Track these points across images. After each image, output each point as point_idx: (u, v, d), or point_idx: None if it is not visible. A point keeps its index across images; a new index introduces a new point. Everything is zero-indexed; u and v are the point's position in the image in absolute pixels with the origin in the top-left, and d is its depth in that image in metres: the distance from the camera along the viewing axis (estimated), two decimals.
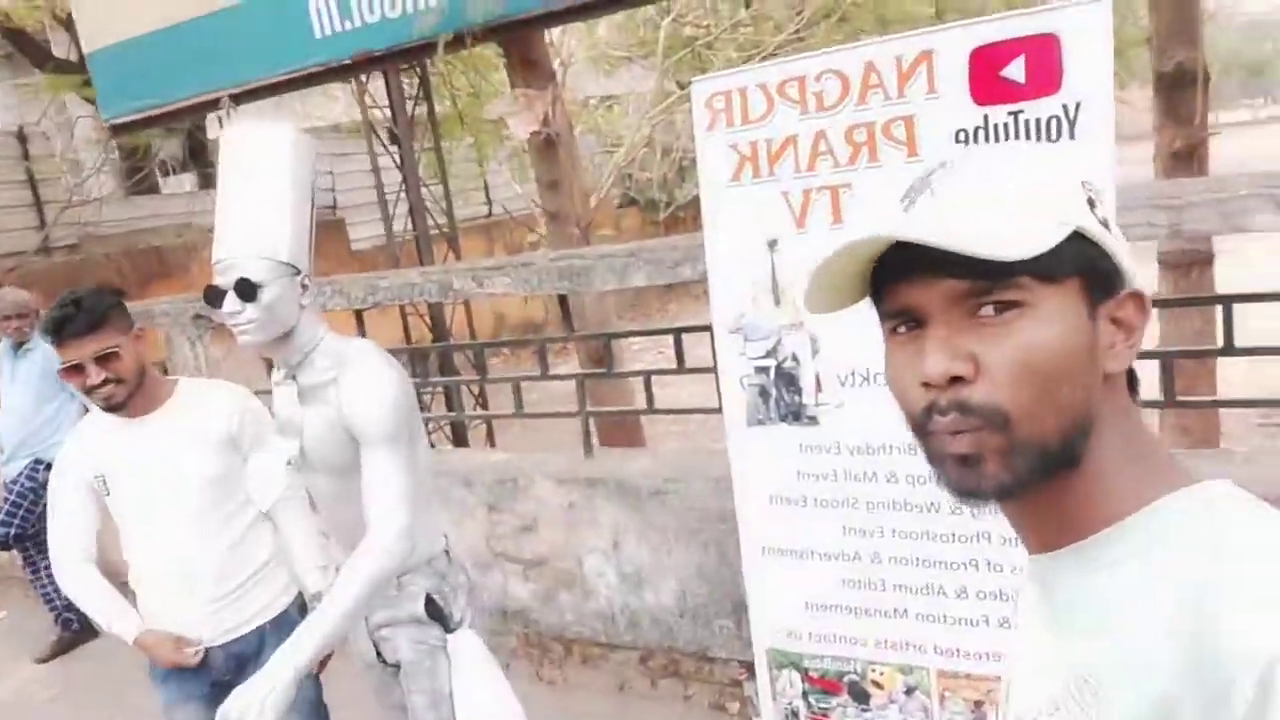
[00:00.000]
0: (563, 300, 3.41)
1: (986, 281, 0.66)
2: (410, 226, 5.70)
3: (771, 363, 2.48)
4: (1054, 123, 2.01)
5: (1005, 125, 2.07)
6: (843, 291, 0.74)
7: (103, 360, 2.07)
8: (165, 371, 4.25)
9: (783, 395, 2.49)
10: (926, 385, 0.68)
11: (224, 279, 1.79)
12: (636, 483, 3.17)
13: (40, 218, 9.73)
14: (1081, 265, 0.67)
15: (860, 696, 2.54)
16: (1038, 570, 0.73)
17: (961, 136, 2.12)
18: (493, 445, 5.83)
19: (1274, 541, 0.61)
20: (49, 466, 4.38)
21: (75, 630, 4.45)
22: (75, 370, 2.08)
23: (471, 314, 6.27)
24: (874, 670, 2.51)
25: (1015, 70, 2.03)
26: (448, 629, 2.05)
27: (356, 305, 3.73)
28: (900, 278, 0.69)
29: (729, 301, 2.49)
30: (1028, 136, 2.05)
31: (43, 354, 4.17)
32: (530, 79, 4.20)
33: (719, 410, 3.18)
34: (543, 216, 4.81)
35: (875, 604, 2.46)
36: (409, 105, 5.80)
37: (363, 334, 3.71)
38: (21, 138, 9.76)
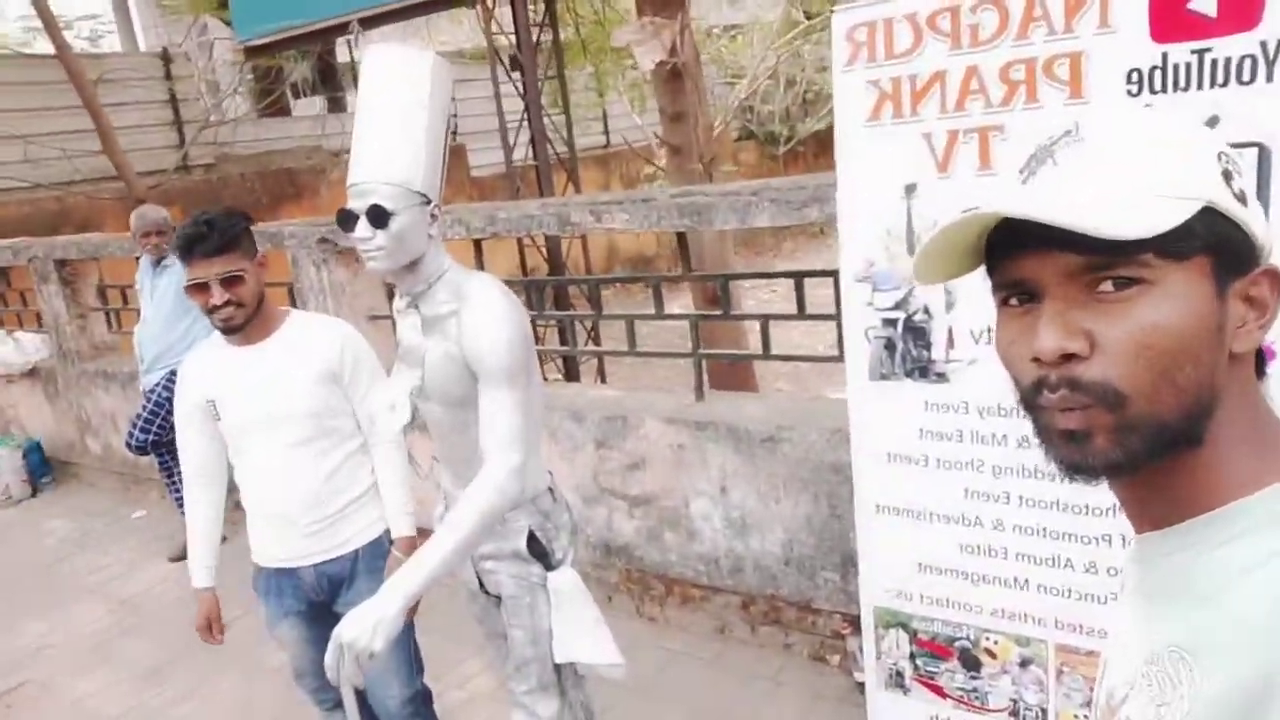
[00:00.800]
0: (681, 238, 3.32)
1: (1106, 257, 0.62)
2: (530, 155, 5.67)
3: (900, 315, 2.35)
4: (1247, 63, 1.80)
5: (1187, 66, 1.86)
6: (954, 261, 0.72)
7: (227, 282, 2.12)
8: (291, 293, 4.38)
9: (910, 349, 2.37)
10: (1037, 360, 0.66)
11: (357, 204, 1.79)
12: (748, 428, 3.11)
13: (180, 136, 10.13)
14: (1212, 242, 0.63)
15: (971, 664, 2.45)
16: (1144, 549, 0.72)
17: (1135, 77, 1.93)
18: (603, 381, 5.85)
19: None
20: None
21: None
22: (200, 288, 2.14)
23: (587, 247, 6.24)
24: (988, 638, 2.41)
25: (1206, 2, 1.82)
26: (549, 566, 2.05)
27: (475, 235, 3.74)
28: (1015, 249, 0.67)
29: (858, 248, 2.37)
30: (1213, 79, 1.85)
31: (179, 271, 4.33)
32: (658, 7, 4.06)
33: (839, 359, 3.09)
34: (663, 149, 4.70)
35: (994, 571, 2.35)
36: (534, 32, 5.72)
37: (480, 264, 3.72)
38: (165, 58, 10.13)
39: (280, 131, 11.56)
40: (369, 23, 4.57)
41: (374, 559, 2.34)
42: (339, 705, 2.42)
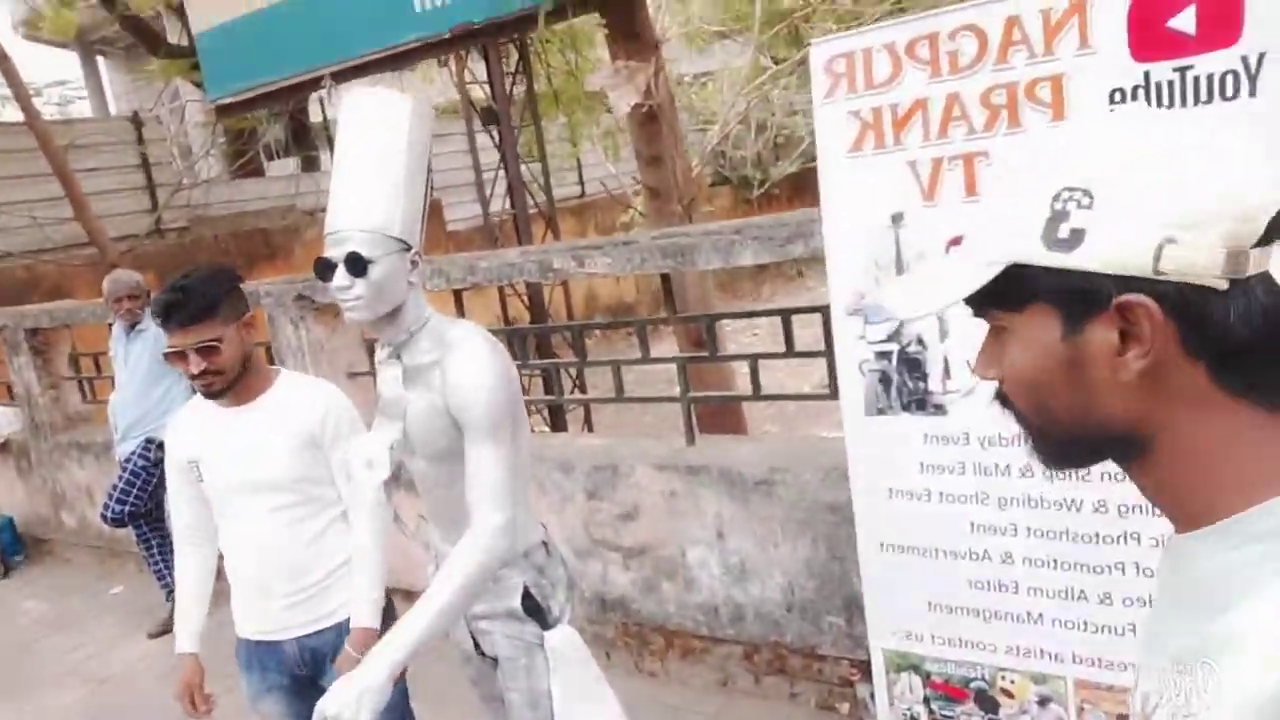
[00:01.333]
0: (665, 280, 3.28)
1: (975, 310, 0.74)
2: (508, 205, 5.64)
3: (894, 347, 2.30)
4: (1230, 79, 1.78)
5: (1170, 84, 1.85)
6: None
7: (204, 351, 2.05)
8: (269, 352, 4.29)
9: (906, 382, 2.32)
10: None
11: (334, 252, 1.73)
12: (741, 471, 3.04)
13: (153, 200, 10.07)
14: (1041, 290, 0.69)
15: (988, 705, 2.36)
16: (1172, 550, 0.73)
17: (1118, 97, 1.90)
18: (590, 429, 5.76)
19: None
20: (161, 445, 4.50)
21: None
22: (178, 356, 2.07)
23: (569, 295, 6.19)
24: (1004, 678, 2.33)
25: (1184, 21, 1.81)
26: (545, 625, 1.96)
27: (455, 285, 3.68)
28: None
29: (847, 281, 2.33)
30: (1197, 96, 1.83)
31: (154, 335, 4.25)
32: (632, 51, 4.06)
33: (831, 396, 3.03)
34: (642, 193, 4.67)
35: (1006, 607, 2.28)
36: (507, 81, 5.73)
37: (461, 314, 3.65)
38: (137, 123, 10.11)
39: (254, 192, 11.53)
40: (341, 77, 4.56)
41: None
42: None
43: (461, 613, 1.81)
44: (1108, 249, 0.65)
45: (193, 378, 2.08)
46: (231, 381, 2.10)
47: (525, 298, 5.61)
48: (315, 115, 11.98)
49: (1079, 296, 0.67)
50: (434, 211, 11.42)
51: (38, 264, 8.55)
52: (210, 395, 2.12)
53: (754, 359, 3.14)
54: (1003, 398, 0.76)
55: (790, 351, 3.05)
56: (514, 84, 5.83)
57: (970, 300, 0.73)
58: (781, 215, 3.06)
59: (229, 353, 2.07)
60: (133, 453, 4.46)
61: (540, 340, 5.17)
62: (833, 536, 2.89)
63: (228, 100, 5.40)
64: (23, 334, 5.56)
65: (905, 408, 2.31)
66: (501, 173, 5.57)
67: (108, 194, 9.31)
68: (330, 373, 4.10)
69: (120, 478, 4.45)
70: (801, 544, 2.97)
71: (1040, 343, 0.70)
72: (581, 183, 14.00)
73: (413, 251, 1.79)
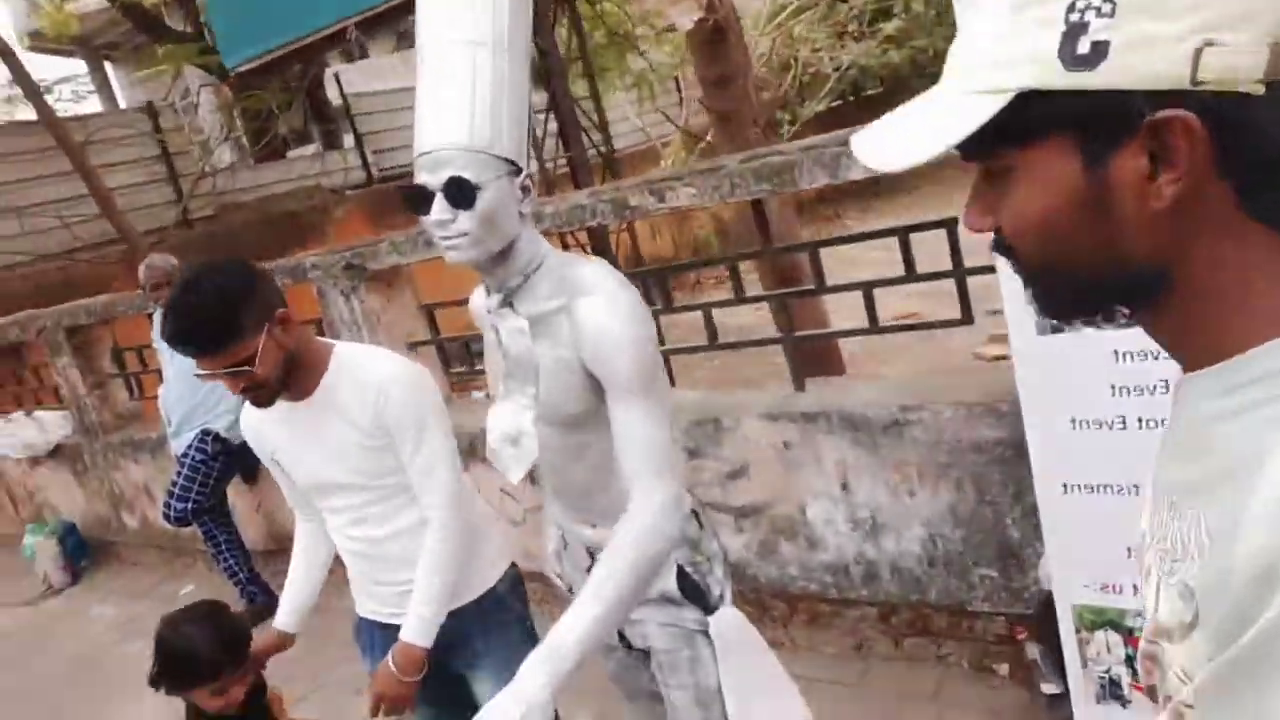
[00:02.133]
0: (758, 208, 2.92)
1: (970, 154, 0.66)
2: (561, 147, 5.21)
3: None
4: None
5: None
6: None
7: (236, 374, 1.73)
8: (320, 328, 4.00)
9: None
10: None
11: (431, 177, 1.40)
12: (866, 414, 2.70)
13: (177, 190, 9.82)
14: (1061, 117, 0.60)
15: None
16: (1180, 391, 0.69)
17: None
18: (672, 384, 5.43)
19: None
20: (217, 437, 4.25)
21: (260, 604, 4.34)
22: (211, 377, 1.76)
23: (637, 239, 5.81)
24: None
25: None
26: (707, 608, 1.66)
27: None
28: None
29: None
30: None
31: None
32: None
33: (965, 321, 2.68)
34: (711, 121, 4.23)
35: None
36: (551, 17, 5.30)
37: None
38: (151, 113, 9.82)
39: (277, 175, 11.22)
40: (366, 30, 4.20)
41: (491, 614, 1.98)
42: None
43: (630, 611, 1.50)
44: (1137, 61, 0.58)
45: (243, 394, 1.80)
46: (280, 388, 1.80)
47: (587, 248, 5.23)
48: (333, 92, 11.64)
49: (1104, 121, 0.60)
50: None
51: (71, 265, 8.34)
52: (261, 406, 1.83)
53: (868, 286, 2.78)
54: (1003, 247, 0.68)
55: (911, 275, 2.69)
56: (554, 22, 5.41)
57: (966, 141, 0.62)
58: None
59: (267, 364, 1.73)
60: (189, 446, 4.21)
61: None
62: (982, 478, 2.55)
63: (246, 67, 5.04)
64: (62, 334, 5.33)
65: (1088, 321, 1.95)
66: (549, 116, 5.13)
67: (131, 188, 9.06)
68: (389, 344, 3.80)
69: (179, 474, 4.22)
70: (944, 489, 2.63)
71: (1057, 180, 0.63)
72: (609, 139, 13.49)
73: (523, 175, 1.46)
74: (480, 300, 1.63)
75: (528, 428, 1.53)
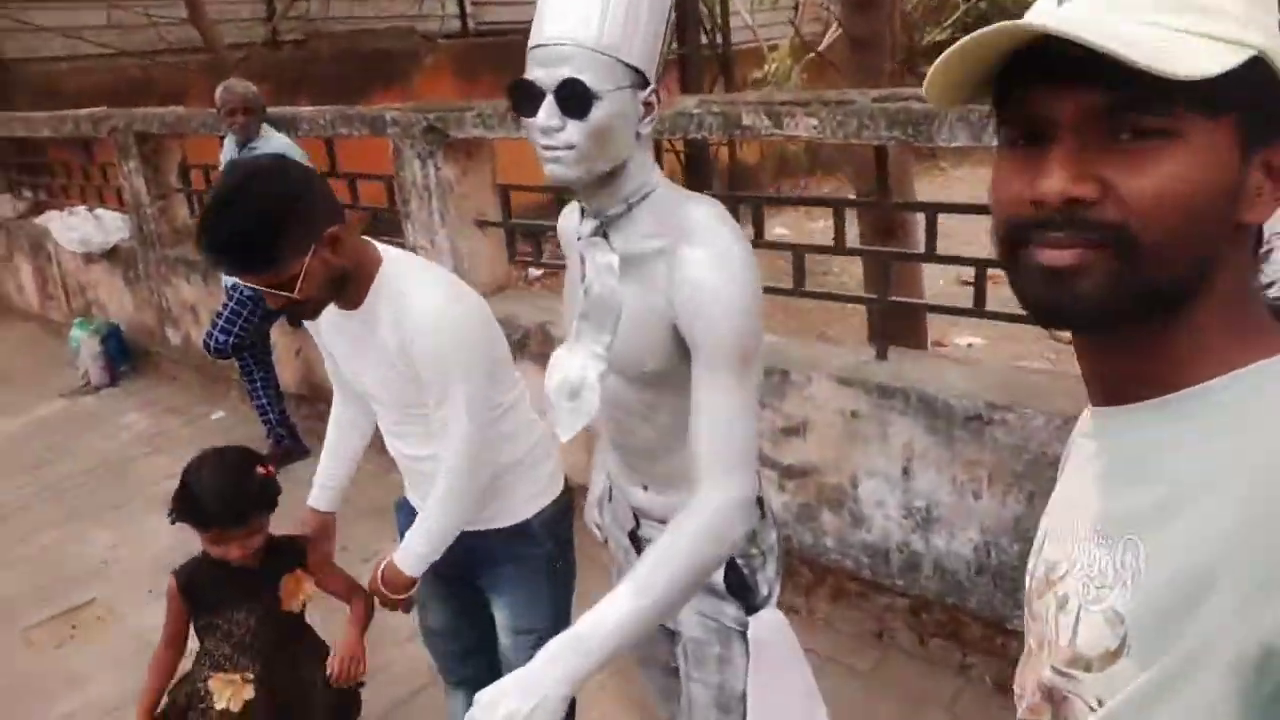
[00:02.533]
0: (880, 153, 2.66)
1: (1135, 99, 0.58)
2: (674, 41, 4.83)
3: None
4: None
5: None
6: (967, 85, 0.67)
7: (270, 297, 1.60)
8: (390, 189, 3.83)
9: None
10: (1037, 204, 0.61)
11: (544, 74, 1.19)
12: (949, 401, 2.49)
13: (270, 7, 9.55)
14: (1248, 100, 0.59)
15: None
16: (1106, 423, 0.69)
17: None
18: None
19: None
20: None
21: (285, 447, 4.32)
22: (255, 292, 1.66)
23: (736, 155, 5.45)
24: None
25: None
26: (750, 606, 1.51)
27: None
28: (1033, 82, 0.62)
29: None
30: None
31: (269, 151, 3.82)
32: None
33: None
34: (847, 47, 3.82)
35: None
36: None
37: None
38: None
39: (374, 10, 10.87)
40: None
41: (517, 545, 1.87)
42: (463, 683, 2.05)
43: (675, 613, 1.36)
44: None
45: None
46: (322, 304, 1.65)
47: (683, 155, 4.86)
48: None
49: (1269, 120, 0.60)
50: None
51: (152, 66, 8.19)
52: (304, 320, 1.74)
53: (982, 265, 2.53)
54: (1081, 221, 0.60)
55: None
56: None
57: (1141, 90, 0.56)
58: None
59: (310, 287, 1.57)
60: (239, 281, 4.12)
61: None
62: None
63: None
64: (133, 138, 5.21)
65: None
66: None
67: None
68: (457, 219, 3.64)
69: (226, 306, 4.14)
70: (1011, 500, 2.44)
71: (1220, 164, 0.59)
72: (728, 37, 12.80)
73: (648, 90, 1.24)
74: (571, 222, 1.44)
75: (592, 380, 1.35)
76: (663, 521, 1.54)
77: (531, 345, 3.41)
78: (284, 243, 1.53)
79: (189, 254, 5.24)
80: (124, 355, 5.95)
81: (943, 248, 2.60)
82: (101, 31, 8.06)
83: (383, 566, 1.80)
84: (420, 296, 1.65)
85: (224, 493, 1.91)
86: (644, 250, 1.30)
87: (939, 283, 5.16)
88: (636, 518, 1.58)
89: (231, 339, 4.10)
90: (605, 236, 1.32)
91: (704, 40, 4.98)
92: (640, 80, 1.22)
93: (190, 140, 5.29)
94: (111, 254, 5.91)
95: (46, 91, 7.46)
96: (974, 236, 2.86)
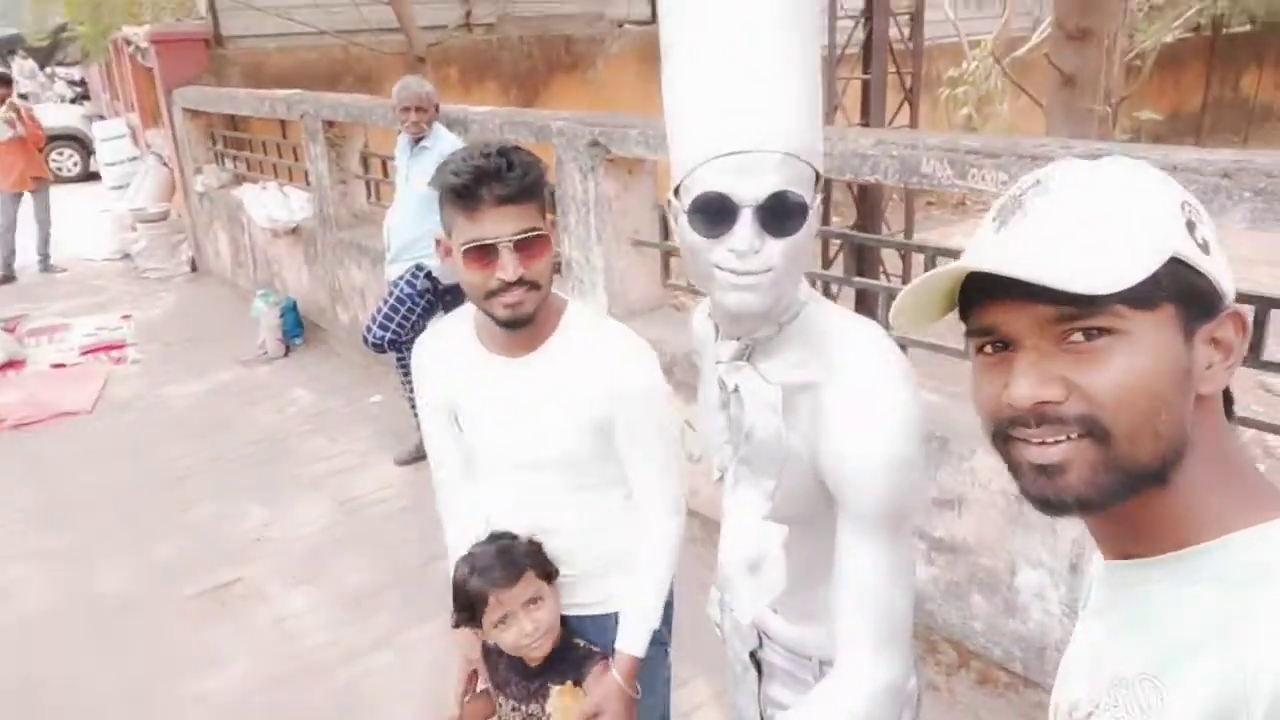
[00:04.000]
0: None
1: (1077, 308, 0.64)
2: (861, 64, 4.42)
3: None
4: None
5: None
6: (931, 309, 0.74)
7: (524, 246, 1.40)
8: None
9: None
10: (1012, 408, 0.67)
11: (743, 186, 1.00)
12: None
13: None
14: (1178, 291, 0.65)
15: None
16: (1113, 575, 0.73)
17: None
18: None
19: None
20: (429, 274, 4.20)
21: None
22: (483, 253, 1.40)
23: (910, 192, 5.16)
24: None
25: None
26: None
27: None
28: (988, 298, 0.68)
29: None
30: None
31: (438, 155, 3.84)
32: None
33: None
34: (1054, 79, 3.43)
35: None
36: None
37: None
38: None
39: None
40: None
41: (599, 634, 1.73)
42: None
43: None
44: (1222, 262, 0.68)
45: (491, 295, 1.43)
46: (539, 305, 1.47)
47: (855, 187, 4.46)
48: None
49: (1203, 301, 0.66)
50: None
51: (352, 46, 8.55)
52: (513, 324, 1.46)
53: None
54: (1054, 418, 0.66)
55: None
56: None
57: (1077, 296, 0.63)
58: None
59: (548, 260, 1.45)
60: (401, 277, 4.21)
61: (862, 252, 4.11)
62: None
63: None
64: (321, 123, 5.44)
65: None
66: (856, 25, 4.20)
67: None
68: (614, 237, 3.55)
69: (385, 301, 4.23)
70: None
71: (1164, 348, 0.65)
72: (919, 59, 12.17)
73: (818, 189, 1.08)
74: (705, 326, 1.28)
75: (774, 552, 1.19)
76: (789, 651, 1.39)
77: (676, 373, 3.29)
78: (541, 186, 1.43)
79: (362, 239, 5.43)
80: (298, 328, 6.26)
81: None
82: (305, 10, 8.48)
83: (614, 668, 1.61)
84: (616, 334, 1.56)
85: (496, 550, 1.65)
86: (789, 383, 1.13)
87: None
88: (760, 637, 1.44)
89: (389, 335, 4.18)
90: (748, 359, 1.16)
91: (892, 68, 4.56)
92: (818, 181, 1.06)
93: (372, 130, 5.46)
94: (295, 231, 6.22)
95: (254, 69, 7.94)
96: None
